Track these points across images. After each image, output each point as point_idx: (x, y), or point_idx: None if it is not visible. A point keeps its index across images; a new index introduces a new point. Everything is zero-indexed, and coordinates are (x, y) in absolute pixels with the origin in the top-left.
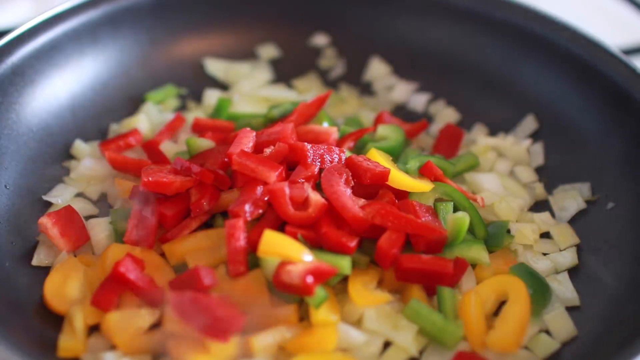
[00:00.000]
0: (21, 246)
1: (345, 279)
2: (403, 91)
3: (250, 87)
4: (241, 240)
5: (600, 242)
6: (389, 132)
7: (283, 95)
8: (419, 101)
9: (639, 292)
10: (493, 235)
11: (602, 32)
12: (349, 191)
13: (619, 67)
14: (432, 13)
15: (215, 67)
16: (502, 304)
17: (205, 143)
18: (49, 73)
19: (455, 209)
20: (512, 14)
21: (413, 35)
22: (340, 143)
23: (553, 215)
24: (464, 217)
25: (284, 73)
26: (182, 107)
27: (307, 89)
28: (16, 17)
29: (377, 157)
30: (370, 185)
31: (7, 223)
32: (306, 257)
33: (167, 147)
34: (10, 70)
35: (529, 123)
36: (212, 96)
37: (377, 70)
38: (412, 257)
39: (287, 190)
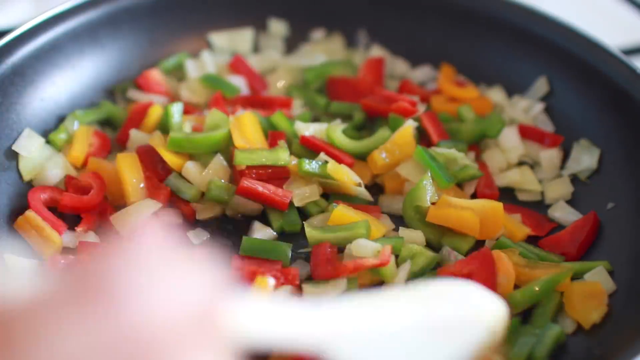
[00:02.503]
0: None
1: None
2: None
3: None
4: None
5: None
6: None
7: None
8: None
9: (638, 295)
10: None
11: (602, 32)
12: None
13: (619, 67)
14: (432, 11)
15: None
16: None
17: None
18: (49, 73)
19: None
20: (512, 14)
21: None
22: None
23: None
24: None
25: None
26: None
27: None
28: (16, 17)
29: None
30: None
31: (9, 221)
32: None
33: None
34: (10, 70)
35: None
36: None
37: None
38: None
39: None
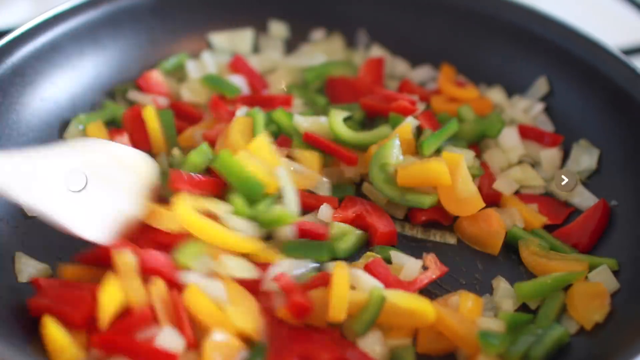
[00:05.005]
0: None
1: None
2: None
3: None
4: None
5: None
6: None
7: None
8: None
9: (638, 293)
10: None
11: (602, 32)
12: None
13: (619, 67)
14: (432, 11)
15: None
16: None
17: None
18: (49, 73)
19: None
20: (512, 14)
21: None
22: None
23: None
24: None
25: None
26: None
27: None
28: (16, 17)
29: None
30: None
31: (12, 220)
32: None
33: None
34: (10, 71)
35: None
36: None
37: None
38: None
39: None
